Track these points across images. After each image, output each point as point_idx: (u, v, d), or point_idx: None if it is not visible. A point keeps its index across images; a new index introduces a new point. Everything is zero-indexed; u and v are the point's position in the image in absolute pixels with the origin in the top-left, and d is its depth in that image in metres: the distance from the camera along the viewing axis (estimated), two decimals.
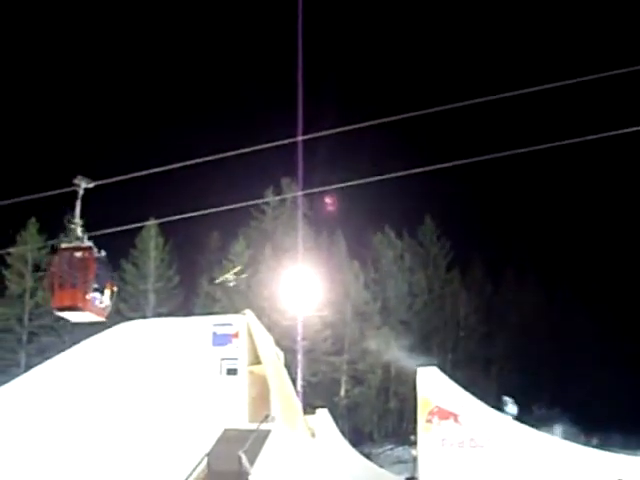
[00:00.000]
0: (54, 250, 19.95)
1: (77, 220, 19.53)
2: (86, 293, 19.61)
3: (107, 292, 20.13)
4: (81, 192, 19.16)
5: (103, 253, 20.09)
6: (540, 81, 17.91)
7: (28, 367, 38.02)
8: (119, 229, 21.64)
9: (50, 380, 33.30)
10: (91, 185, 19.02)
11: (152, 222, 51.04)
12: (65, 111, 65.53)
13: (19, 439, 31.25)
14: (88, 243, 19.81)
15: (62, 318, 51.70)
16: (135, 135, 66.20)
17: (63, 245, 19.65)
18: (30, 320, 53.94)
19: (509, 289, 65.51)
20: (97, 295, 19.85)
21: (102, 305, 20.01)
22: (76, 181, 19.07)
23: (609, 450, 35.12)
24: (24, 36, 66.74)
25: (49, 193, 21.39)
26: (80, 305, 19.61)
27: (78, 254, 19.73)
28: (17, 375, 35.77)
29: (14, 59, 65.34)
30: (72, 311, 19.90)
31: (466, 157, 19.64)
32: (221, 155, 19.78)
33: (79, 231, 19.66)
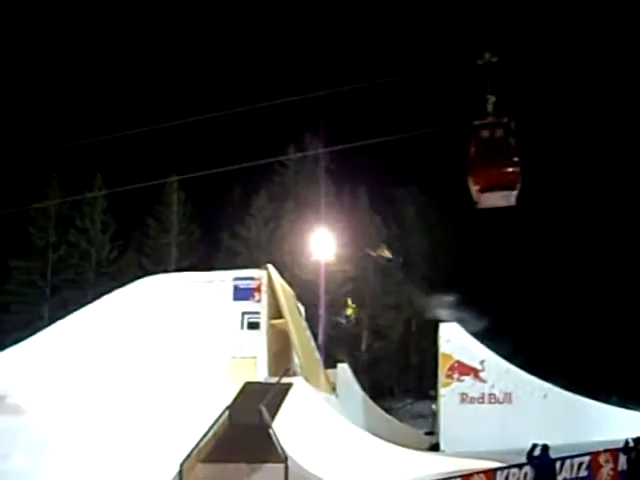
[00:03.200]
0: (471, 128, 18.94)
1: (490, 96, 18.63)
2: (514, 169, 18.70)
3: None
4: (489, 67, 18.39)
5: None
6: None
7: (52, 320, 38.34)
8: (142, 185, 21.71)
9: (73, 333, 33.63)
10: (494, 60, 18.36)
11: (174, 178, 51.13)
12: (84, 65, 65.50)
13: (44, 391, 31.66)
14: (504, 119, 18.80)
15: (84, 272, 52.18)
16: (155, 91, 66.10)
17: (477, 122, 18.74)
18: (53, 274, 54.28)
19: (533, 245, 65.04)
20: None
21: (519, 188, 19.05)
22: (486, 56, 18.37)
23: (629, 408, 35.18)
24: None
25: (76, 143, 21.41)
26: (510, 183, 18.66)
27: (499, 130, 18.77)
28: (41, 328, 36.11)
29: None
30: (501, 190, 18.83)
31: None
32: (244, 108, 19.72)
33: (491, 107, 18.64)
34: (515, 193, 18.99)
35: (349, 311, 40.85)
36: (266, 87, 60.48)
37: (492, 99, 18.75)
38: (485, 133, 18.89)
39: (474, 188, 19.00)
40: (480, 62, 18.37)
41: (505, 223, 63.56)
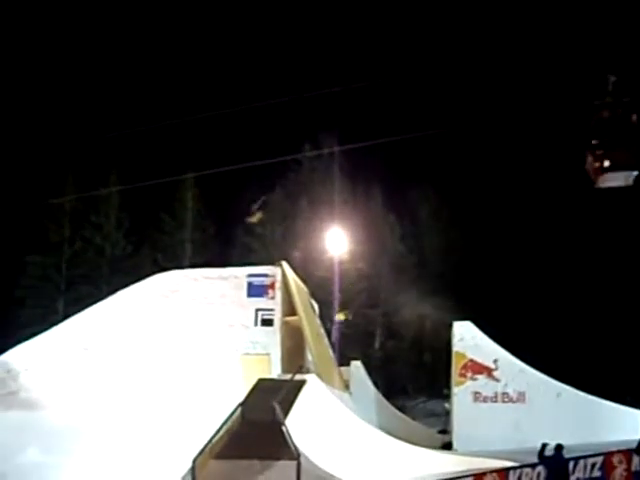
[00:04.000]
0: (595, 107, 18.72)
1: (611, 76, 18.39)
2: (636, 150, 18.55)
3: None
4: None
5: None
6: None
7: (66, 315, 38.48)
8: (157, 181, 21.79)
9: (88, 328, 33.73)
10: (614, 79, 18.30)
11: (190, 175, 51.34)
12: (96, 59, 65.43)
13: (59, 385, 31.81)
14: (626, 98, 18.55)
15: (98, 268, 52.42)
16: (170, 88, 66.08)
17: (598, 102, 18.56)
18: (68, 269, 54.49)
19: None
20: None
21: None
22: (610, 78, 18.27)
23: None
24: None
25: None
26: (632, 162, 18.56)
27: (620, 110, 18.51)
28: (55, 323, 36.25)
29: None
30: (622, 170, 18.68)
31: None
32: (259, 103, 19.80)
33: (611, 87, 18.43)
34: (635, 173, 18.86)
35: (341, 316, 40.55)
36: (283, 84, 60.41)
37: (612, 79, 18.53)
38: (606, 113, 18.72)
39: (594, 167, 18.86)
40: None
41: (522, 221, 63.52)
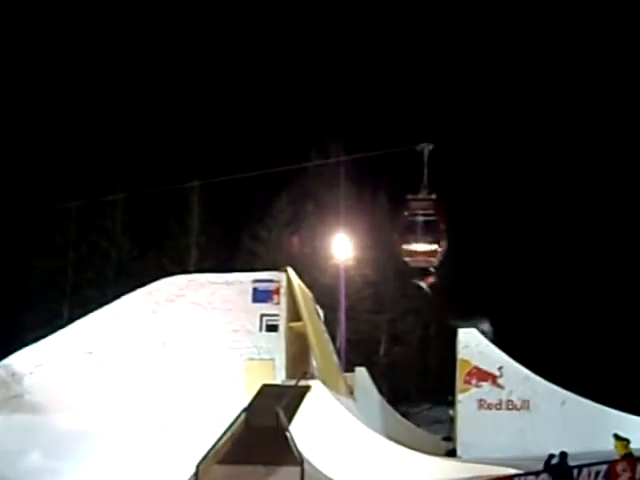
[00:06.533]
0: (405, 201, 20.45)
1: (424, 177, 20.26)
2: (437, 248, 20.40)
3: None
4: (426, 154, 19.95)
5: None
6: None
7: (71, 319, 38.51)
8: (163, 188, 21.84)
9: (92, 332, 33.76)
10: (430, 147, 19.66)
11: (196, 183, 51.57)
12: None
13: (62, 389, 31.85)
14: (433, 195, 20.41)
15: (105, 272, 52.45)
16: (176, 94, 66.16)
17: (410, 196, 20.26)
18: (74, 273, 54.53)
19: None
20: None
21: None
22: (420, 146, 19.78)
23: None
24: None
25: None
26: (430, 260, 20.37)
27: (428, 205, 20.07)
28: (60, 327, 36.28)
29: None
30: (424, 257, 20.53)
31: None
32: (265, 108, 19.82)
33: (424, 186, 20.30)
34: (436, 258, 20.40)
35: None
36: (289, 90, 60.52)
37: (429, 147, 19.93)
38: (415, 207, 20.33)
39: (403, 250, 20.42)
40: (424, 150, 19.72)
41: (528, 227, 63.43)
